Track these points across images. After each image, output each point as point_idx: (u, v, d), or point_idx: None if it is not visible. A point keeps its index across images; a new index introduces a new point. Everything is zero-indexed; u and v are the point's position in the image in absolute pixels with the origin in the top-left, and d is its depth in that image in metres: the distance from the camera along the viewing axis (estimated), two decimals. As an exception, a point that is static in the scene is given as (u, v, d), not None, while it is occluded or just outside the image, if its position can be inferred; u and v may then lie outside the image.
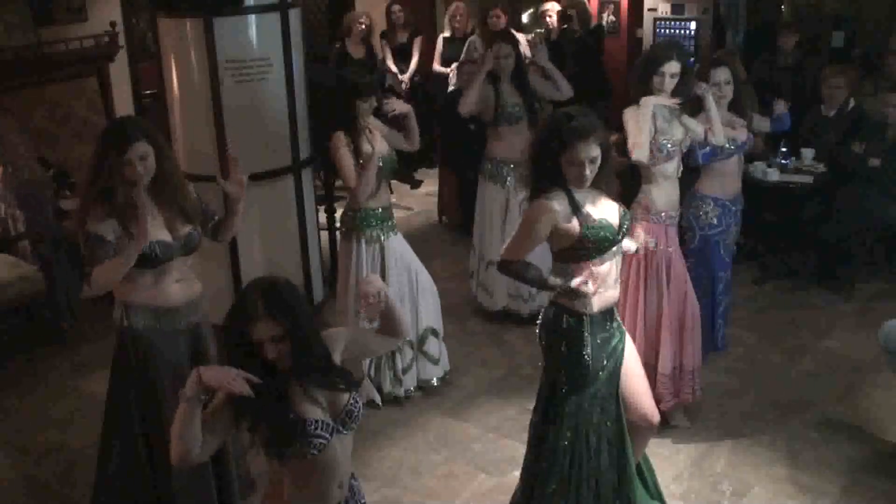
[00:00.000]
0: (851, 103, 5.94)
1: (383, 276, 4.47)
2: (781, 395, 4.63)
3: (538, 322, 3.24)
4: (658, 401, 4.19)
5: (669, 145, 4.00)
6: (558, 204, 3.00)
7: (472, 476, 4.05)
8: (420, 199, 7.99)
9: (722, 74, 4.37)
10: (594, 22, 8.31)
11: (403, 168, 6.90)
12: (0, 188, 5.47)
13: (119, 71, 7.11)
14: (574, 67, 7.23)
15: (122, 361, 3.33)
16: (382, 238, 4.46)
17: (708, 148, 4.31)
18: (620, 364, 3.20)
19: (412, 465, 4.14)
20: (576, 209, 3.00)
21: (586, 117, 2.98)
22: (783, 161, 5.93)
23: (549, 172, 3.01)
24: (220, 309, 3.62)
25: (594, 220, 3.02)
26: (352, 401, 2.43)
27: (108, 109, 6.86)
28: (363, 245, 4.45)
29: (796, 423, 4.37)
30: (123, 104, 7.19)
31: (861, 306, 5.63)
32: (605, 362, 3.13)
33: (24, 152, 5.72)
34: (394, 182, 8.21)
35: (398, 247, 4.54)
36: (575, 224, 3.00)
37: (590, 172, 2.98)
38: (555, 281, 3.07)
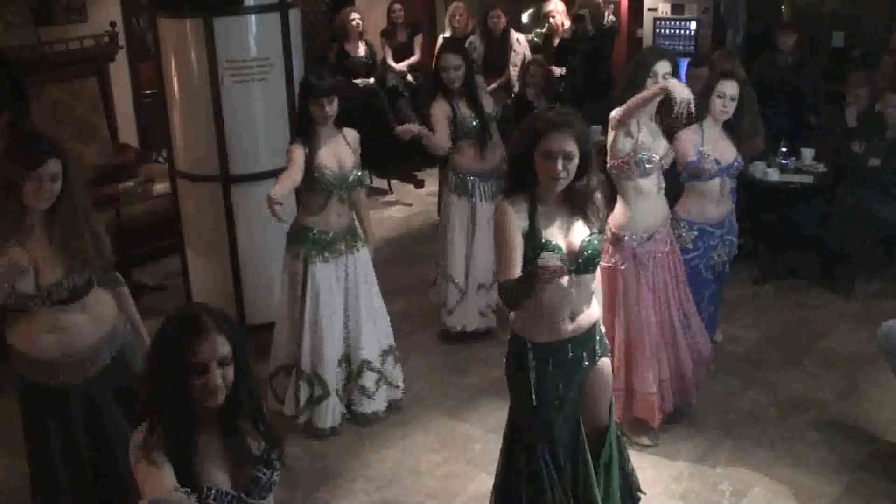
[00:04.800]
0: (877, 108, 5.88)
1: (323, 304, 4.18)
2: (781, 395, 4.63)
3: None
4: (648, 419, 4.08)
5: (647, 160, 3.86)
6: (516, 212, 2.80)
7: (472, 476, 4.04)
8: (420, 198, 7.99)
9: (730, 89, 4.24)
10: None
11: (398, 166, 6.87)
12: None
13: (119, 71, 7.12)
14: (583, 67, 7.27)
15: (31, 425, 3.16)
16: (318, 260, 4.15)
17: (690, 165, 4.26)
18: (582, 389, 3.05)
19: (412, 466, 4.14)
20: (531, 224, 2.79)
21: (569, 112, 2.83)
22: (783, 161, 5.94)
23: (521, 172, 2.83)
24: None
25: (541, 242, 2.78)
26: (261, 469, 2.22)
27: (108, 109, 6.86)
28: (303, 265, 4.17)
29: (796, 423, 4.37)
30: (123, 104, 7.20)
31: (861, 306, 5.62)
32: (559, 390, 2.97)
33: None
34: (395, 182, 8.25)
35: (331, 273, 4.20)
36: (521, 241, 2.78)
37: (563, 170, 2.73)
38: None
